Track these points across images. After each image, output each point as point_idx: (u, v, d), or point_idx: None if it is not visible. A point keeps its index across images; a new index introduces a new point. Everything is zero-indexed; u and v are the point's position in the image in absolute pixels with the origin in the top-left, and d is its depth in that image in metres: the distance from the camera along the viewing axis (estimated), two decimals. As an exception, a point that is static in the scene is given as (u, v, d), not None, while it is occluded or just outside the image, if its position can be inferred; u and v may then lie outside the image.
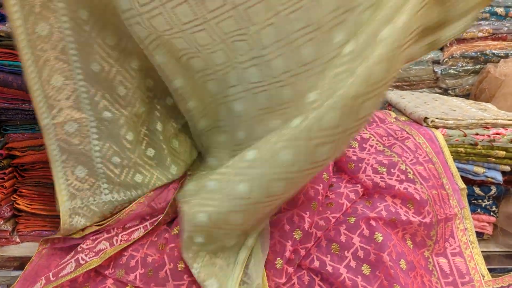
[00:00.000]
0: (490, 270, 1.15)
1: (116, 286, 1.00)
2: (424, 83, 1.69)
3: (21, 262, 1.24)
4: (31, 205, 1.35)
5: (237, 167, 0.88)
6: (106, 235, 1.10)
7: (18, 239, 1.40)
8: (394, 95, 1.51)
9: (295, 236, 1.00)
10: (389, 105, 1.57)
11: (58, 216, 1.12)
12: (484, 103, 1.43)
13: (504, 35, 1.71)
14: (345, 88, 0.75)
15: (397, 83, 1.71)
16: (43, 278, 0.99)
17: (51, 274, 1.00)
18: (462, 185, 1.16)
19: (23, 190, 1.35)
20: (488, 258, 1.22)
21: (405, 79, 1.69)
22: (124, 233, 1.11)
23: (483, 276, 1.10)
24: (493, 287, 1.08)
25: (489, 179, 1.24)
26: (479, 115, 1.29)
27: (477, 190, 1.26)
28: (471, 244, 1.14)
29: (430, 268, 1.08)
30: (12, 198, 1.36)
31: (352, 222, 1.03)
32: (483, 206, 1.28)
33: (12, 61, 1.22)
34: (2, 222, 1.36)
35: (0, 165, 1.32)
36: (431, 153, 1.18)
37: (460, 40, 1.70)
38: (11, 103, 1.27)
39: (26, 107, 1.26)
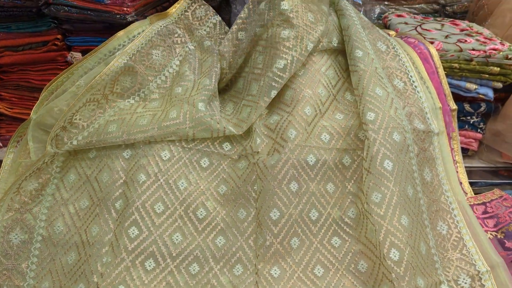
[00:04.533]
0: (472, 183, 1.19)
1: None
2: (422, -2, 1.63)
3: (4, 166, 1.22)
4: (11, 108, 1.31)
5: None
6: None
7: (0, 144, 1.37)
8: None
9: None
10: (385, 18, 1.51)
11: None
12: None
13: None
14: None
15: (394, -3, 1.64)
16: None
17: None
18: (453, 106, 1.15)
19: (3, 93, 1.30)
20: (470, 173, 1.25)
21: (403, -7, 1.62)
22: None
23: (466, 193, 1.13)
24: (475, 203, 1.11)
25: (480, 96, 1.24)
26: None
27: (467, 107, 1.26)
28: (456, 164, 1.15)
29: None
30: (-9, 101, 1.32)
31: None
32: (471, 122, 1.28)
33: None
34: (-18, 126, 1.32)
35: (-24, 66, 1.25)
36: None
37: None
38: (-17, -3, 1.18)
39: (0, 2, 1.17)
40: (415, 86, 1.08)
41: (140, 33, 1.08)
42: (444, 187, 1.02)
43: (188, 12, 1.21)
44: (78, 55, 1.25)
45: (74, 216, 0.98)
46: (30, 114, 1.11)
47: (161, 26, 1.09)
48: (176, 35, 1.10)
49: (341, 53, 1.12)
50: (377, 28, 1.20)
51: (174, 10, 1.15)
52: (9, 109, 1.30)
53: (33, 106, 1.14)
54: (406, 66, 1.10)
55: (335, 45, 1.10)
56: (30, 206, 0.99)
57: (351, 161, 1.00)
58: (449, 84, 1.20)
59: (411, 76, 1.10)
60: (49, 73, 1.27)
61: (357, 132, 1.01)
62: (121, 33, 1.09)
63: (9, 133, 1.33)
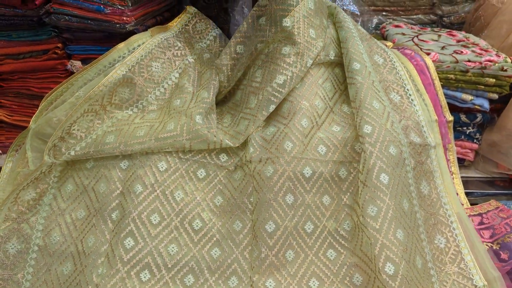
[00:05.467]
0: (468, 194, 1.19)
1: None
2: (420, 9, 1.63)
3: (3, 173, 1.23)
4: (11, 116, 1.32)
5: None
6: None
7: (0, 151, 1.38)
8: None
9: None
10: (382, 28, 1.53)
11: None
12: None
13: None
14: None
15: (392, 8, 1.65)
16: None
17: None
18: (449, 117, 1.16)
19: (3, 101, 1.31)
20: (467, 183, 1.26)
21: (401, 3, 1.63)
22: None
23: (462, 204, 1.14)
24: (471, 214, 1.12)
25: (476, 107, 1.25)
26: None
27: (463, 118, 1.27)
28: (452, 175, 1.16)
29: None
30: (-9, 108, 1.33)
31: None
32: (467, 133, 1.29)
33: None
34: (-18, 133, 1.33)
35: (-23, 73, 1.26)
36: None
37: (459, -34, 1.63)
38: (-15, 6, 1.19)
39: (1, 11, 1.18)
40: (412, 100, 1.09)
41: (140, 45, 1.09)
42: (443, 200, 1.02)
43: (188, 25, 1.23)
44: (78, 63, 1.26)
45: (70, 226, 0.99)
46: (29, 121, 1.12)
47: (161, 39, 1.10)
48: (176, 48, 1.11)
49: (338, 66, 1.13)
50: (375, 40, 1.21)
51: (175, 23, 1.17)
52: (9, 116, 1.31)
53: (33, 113, 1.15)
54: (403, 80, 1.11)
55: (332, 58, 1.11)
56: (27, 215, 1.00)
57: (347, 174, 1.00)
58: (445, 95, 1.21)
59: (407, 89, 1.10)
60: (49, 81, 1.28)
61: (353, 145, 1.02)
62: (121, 45, 1.10)
63: (9, 140, 1.34)
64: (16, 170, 1.06)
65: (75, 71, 1.26)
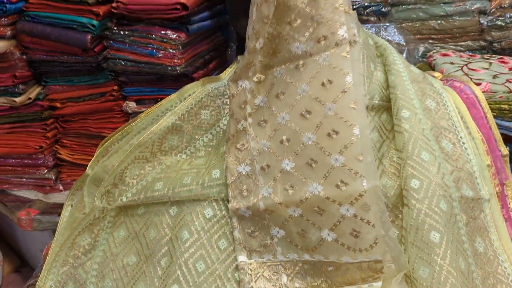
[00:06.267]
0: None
1: None
2: (468, 36, 1.60)
3: (65, 209, 1.30)
4: (72, 155, 1.40)
5: None
6: None
7: (61, 187, 1.47)
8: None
9: None
10: (429, 57, 1.50)
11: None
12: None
13: (559, -17, 1.58)
14: None
15: (439, 36, 1.62)
16: None
17: None
18: (505, 151, 1.10)
19: (64, 141, 1.41)
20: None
21: (448, 31, 1.60)
22: None
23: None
24: None
25: (533, 137, 1.20)
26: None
27: (519, 148, 1.22)
28: (511, 211, 1.11)
29: None
30: (54, 148, 1.42)
31: None
32: (524, 164, 1.24)
33: (49, 12, 1.23)
34: (46, 170, 1.43)
35: (42, 116, 1.37)
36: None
37: (509, -11, 1.59)
38: (50, 55, 1.29)
39: (64, 59, 1.29)
40: (465, 148, 1.03)
41: (191, 94, 1.13)
42: (500, 257, 0.97)
43: None
44: (132, 104, 1.33)
45: (121, 271, 1.03)
46: (88, 159, 1.19)
47: (212, 88, 1.13)
48: (226, 96, 1.13)
49: (385, 111, 1.08)
50: (429, 78, 1.14)
51: (226, 74, 1.19)
52: (70, 156, 1.40)
53: (91, 152, 1.23)
54: (456, 126, 1.05)
55: (377, 102, 1.07)
56: (83, 260, 1.04)
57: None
58: (499, 125, 1.16)
59: (461, 137, 1.04)
60: (106, 121, 1.36)
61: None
62: (173, 95, 1.15)
63: (70, 178, 1.43)
64: (74, 216, 1.12)
65: (130, 111, 1.34)
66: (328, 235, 0.92)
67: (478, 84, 1.21)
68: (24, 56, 1.30)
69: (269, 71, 1.02)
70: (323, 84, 0.93)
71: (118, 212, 1.07)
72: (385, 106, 1.08)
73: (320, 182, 0.91)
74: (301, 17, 0.96)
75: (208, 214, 1.02)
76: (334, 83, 0.92)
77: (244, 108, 1.03)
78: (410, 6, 1.60)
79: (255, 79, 1.03)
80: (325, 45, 0.93)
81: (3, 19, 1.24)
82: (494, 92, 1.20)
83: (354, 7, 1.61)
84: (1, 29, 1.24)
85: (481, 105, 1.13)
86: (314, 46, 0.95)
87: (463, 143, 1.03)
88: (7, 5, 1.21)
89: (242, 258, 1.00)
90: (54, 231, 1.31)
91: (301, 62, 0.97)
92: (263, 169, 0.98)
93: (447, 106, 1.07)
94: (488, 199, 0.99)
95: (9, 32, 1.26)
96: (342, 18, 0.93)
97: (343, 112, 0.91)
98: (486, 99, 1.16)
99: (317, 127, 0.93)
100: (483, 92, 1.18)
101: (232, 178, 1.00)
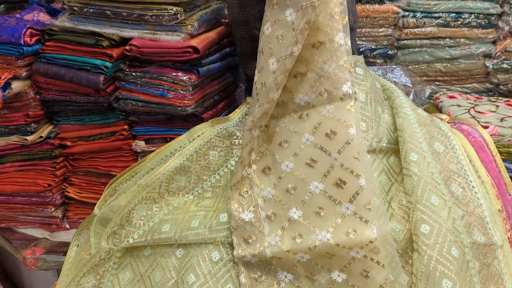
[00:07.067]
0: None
1: None
2: (474, 78, 1.62)
3: (71, 248, 1.30)
4: (80, 193, 1.41)
5: None
6: None
7: (67, 226, 1.47)
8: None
9: None
10: (436, 99, 1.52)
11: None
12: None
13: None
14: None
15: (445, 78, 1.64)
16: None
17: None
18: None
19: (73, 179, 1.42)
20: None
21: (454, 73, 1.63)
22: None
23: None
24: None
25: (543, 180, 1.19)
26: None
27: (529, 192, 1.21)
28: None
29: None
30: (63, 186, 1.43)
31: None
32: (535, 208, 1.22)
33: (64, 54, 1.26)
34: (53, 209, 1.43)
35: (52, 154, 1.38)
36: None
37: (514, 33, 1.62)
38: (63, 95, 1.32)
39: (77, 99, 1.31)
40: (475, 192, 1.02)
41: (200, 135, 1.14)
42: None
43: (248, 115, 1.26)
44: (142, 143, 1.34)
45: None
46: (96, 198, 1.19)
47: (221, 128, 1.14)
48: (235, 137, 1.14)
49: (393, 154, 1.09)
50: (437, 121, 1.15)
51: (235, 115, 1.20)
52: (77, 194, 1.41)
53: (100, 191, 1.23)
54: (465, 170, 1.04)
55: (384, 144, 1.07)
56: None
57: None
58: (508, 169, 1.16)
59: (470, 180, 1.03)
60: (115, 160, 1.38)
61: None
62: (182, 136, 1.15)
63: (77, 216, 1.43)
64: (80, 256, 1.11)
65: (139, 150, 1.35)
66: (339, 276, 0.91)
67: (485, 127, 1.22)
68: (38, 96, 1.34)
69: (272, 121, 1.03)
70: (327, 135, 0.94)
71: (124, 253, 1.06)
72: (393, 149, 1.08)
73: (329, 231, 0.90)
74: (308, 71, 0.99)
75: (215, 257, 1.01)
76: (338, 134, 0.93)
77: (250, 155, 1.05)
78: (416, 49, 1.64)
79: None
80: (328, 98, 0.95)
81: (19, 61, 1.27)
82: (502, 136, 1.21)
83: (361, 49, 1.65)
84: (17, 70, 1.28)
85: (489, 149, 1.13)
86: (316, 98, 0.97)
87: (473, 187, 1.02)
88: (24, 48, 1.25)
89: None
90: (58, 271, 1.30)
91: (305, 112, 0.98)
92: (268, 217, 0.97)
93: (456, 150, 1.07)
94: (501, 245, 0.97)
95: (24, 73, 1.29)
96: (347, 75, 0.95)
97: (348, 162, 0.91)
98: (494, 143, 1.16)
99: (324, 175, 0.93)
100: (491, 135, 1.19)
101: (235, 224, 0.99)
